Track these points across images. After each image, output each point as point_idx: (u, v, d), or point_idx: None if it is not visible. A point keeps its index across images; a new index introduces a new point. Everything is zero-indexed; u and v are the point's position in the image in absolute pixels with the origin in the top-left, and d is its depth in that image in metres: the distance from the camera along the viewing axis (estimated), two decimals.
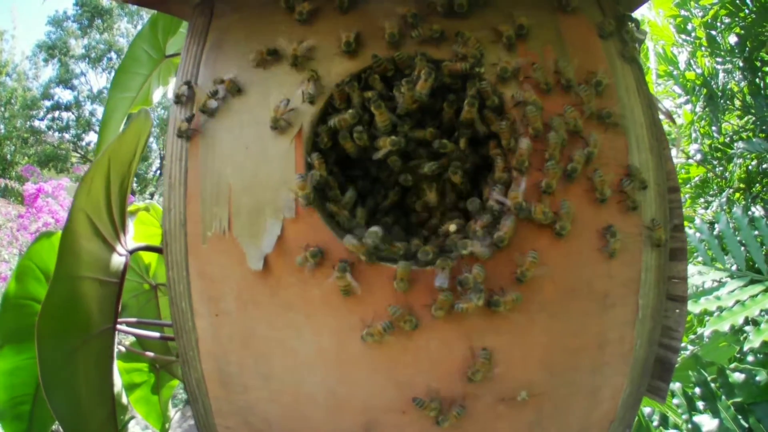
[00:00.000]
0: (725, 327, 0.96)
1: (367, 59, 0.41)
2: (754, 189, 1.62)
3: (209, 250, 0.41)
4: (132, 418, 0.61)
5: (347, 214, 0.41)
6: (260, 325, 0.40)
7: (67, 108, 11.72)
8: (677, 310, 0.46)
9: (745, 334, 0.99)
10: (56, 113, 11.72)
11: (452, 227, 0.40)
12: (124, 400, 0.57)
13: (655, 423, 1.02)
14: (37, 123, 11.50)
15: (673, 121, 0.53)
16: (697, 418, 0.93)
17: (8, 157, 10.45)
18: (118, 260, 0.49)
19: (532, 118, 0.39)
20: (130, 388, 0.73)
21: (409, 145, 0.42)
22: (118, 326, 0.50)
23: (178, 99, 0.43)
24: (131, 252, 0.52)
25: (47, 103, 11.62)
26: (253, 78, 0.42)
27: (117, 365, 0.54)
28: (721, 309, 0.99)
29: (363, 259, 0.38)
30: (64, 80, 11.70)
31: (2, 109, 10.70)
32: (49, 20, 11.81)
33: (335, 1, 0.41)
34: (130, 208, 0.69)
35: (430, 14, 0.41)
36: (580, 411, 0.42)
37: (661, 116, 0.48)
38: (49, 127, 11.70)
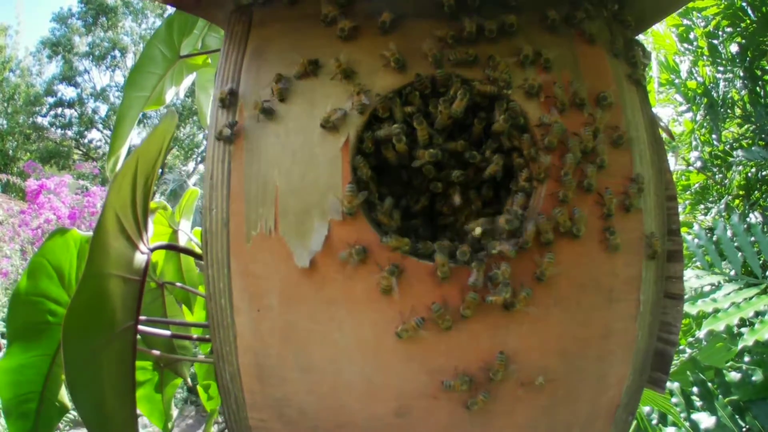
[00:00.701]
0: (720, 327, 1.00)
1: (407, 76, 0.45)
2: (753, 196, 1.65)
3: (253, 249, 0.43)
4: (140, 415, 0.62)
5: (387, 217, 0.45)
6: (303, 320, 0.42)
7: (70, 105, 11.72)
8: (675, 307, 0.50)
9: (741, 336, 1.02)
10: (59, 110, 11.72)
11: (478, 230, 0.44)
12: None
13: (654, 421, 1.05)
14: (39, 119, 11.50)
15: (671, 137, 0.58)
16: (695, 416, 0.96)
17: (10, 153, 10.45)
18: (140, 258, 0.49)
19: (551, 134, 0.45)
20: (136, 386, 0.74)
21: (443, 156, 0.47)
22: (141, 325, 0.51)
23: (222, 103, 0.45)
24: (152, 250, 0.52)
25: (50, 100, 11.61)
26: (298, 87, 0.45)
27: None
28: (717, 310, 1.03)
29: (405, 251, 0.42)
30: (68, 77, 11.70)
31: (5, 105, 10.70)
32: (54, 17, 11.82)
33: (376, 21, 0.44)
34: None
35: (461, 37, 0.45)
36: (589, 396, 0.46)
37: (661, 132, 0.52)
38: (51, 124, 11.70)
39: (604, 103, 0.47)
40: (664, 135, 0.53)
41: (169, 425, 0.78)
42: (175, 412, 0.78)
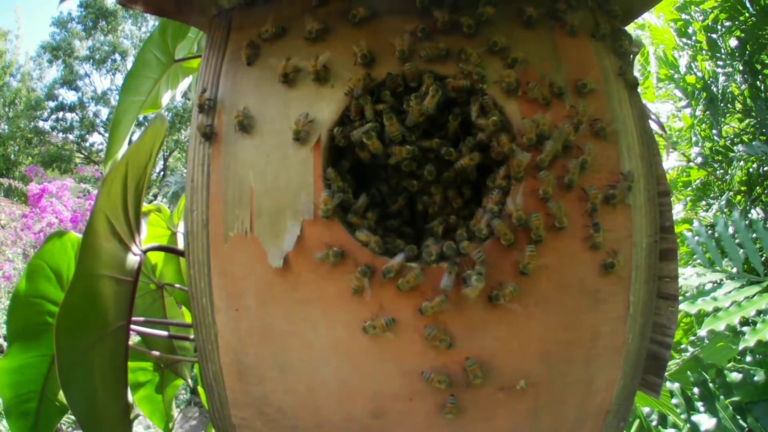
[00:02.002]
0: (721, 327, 0.97)
1: (379, 73, 0.44)
2: (754, 192, 1.63)
3: (231, 249, 0.44)
4: (137, 416, 0.62)
5: (360, 217, 0.45)
6: (278, 320, 0.42)
7: (71, 109, 11.76)
8: (669, 309, 0.48)
9: (743, 335, 1.00)
10: (60, 114, 11.76)
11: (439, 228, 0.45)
12: (129, 398, 0.58)
13: (654, 423, 1.03)
14: (41, 124, 11.55)
15: (664, 130, 0.56)
16: (695, 418, 0.94)
17: (12, 157, 10.49)
18: (132, 259, 0.51)
19: (528, 129, 0.43)
20: (134, 386, 0.74)
21: (419, 153, 0.46)
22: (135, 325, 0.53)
23: (200, 108, 0.46)
24: (145, 252, 0.53)
25: (51, 104, 11.66)
26: (273, 90, 0.45)
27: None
28: (718, 309, 1.01)
29: (374, 248, 0.42)
30: (68, 81, 11.74)
31: (6, 109, 10.74)
32: (54, 21, 11.85)
33: (347, 17, 0.44)
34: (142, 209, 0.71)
35: (435, 31, 0.44)
36: (576, 401, 0.44)
37: (653, 125, 0.50)
38: (53, 128, 11.74)
39: (584, 90, 0.45)
40: (655, 127, 0.51)
41: (170, 425, 0.79)
42: (177, 414, 0.77)
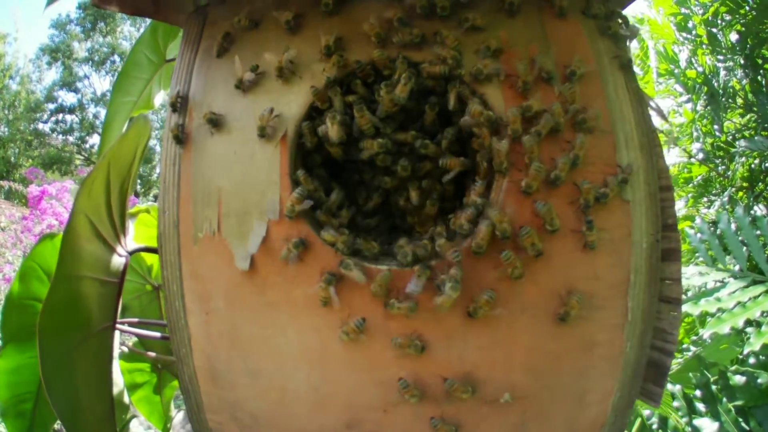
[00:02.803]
0: (725, 329, 0.94)
1: (349, 64, 0.41)
2: (757, 188, 1.60)
3: (200, 251, 0.42)
4: (133, 417, 0.63)
5: (331, 216, 0.42)
6: (247, 324, 0.41)
7: (71, 111, 11.80)
8: (672, 313, 0.45)
9: (747, 336, 0.97)
10: (60, 116, 11.82)
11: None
12: (126, 399, 0.59)
13: (655, 426, 1.00)
14: (40, 126, 11.61)
15: (664, 117, 0.52)
16: (697, 422, 0.91)
17: (12, 159, 10.52)
18: (118, 261, 0.51)
19: (513, 119, 0.39)
20: (132, 388, 0.74)
21: (393, 147, 0.43)
22: (120, 326, 0.52)
23: (173, 107, 0.45)
24: (131, 253, 0.53)
25: (51, 106, 11.72)
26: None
27: (119, 365, 0.57)
28: (721, 310, 0.98)
29: (341, 248, 0.39)
30: (68, 83, 11.78)
31: (6, 112, 10.77)
32: (53, 23, 11.88)
33: (320, 6, 0.42)
34: (131, 210, 0.71)
35: (413, 17, 0.41)
36: (566, 414, 0.41)
37: (653, 114, 0.47)
38: (52, 130, 11.79)
39: (573, 78, 0.41)
40: (655, 116, 0.47)
41: (168, 426, 0.78)
42: (180, 414, 0.78)
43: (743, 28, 1.53)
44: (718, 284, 1.13)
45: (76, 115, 11.86)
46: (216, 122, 0.42)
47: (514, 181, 0.39)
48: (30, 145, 11.15)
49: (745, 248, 1.13)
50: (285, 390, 0.40)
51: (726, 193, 1.57)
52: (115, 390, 0.52)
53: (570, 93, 0.40)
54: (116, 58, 11.87)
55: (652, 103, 0.47)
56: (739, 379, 0.92)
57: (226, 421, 0.43)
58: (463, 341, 0.39)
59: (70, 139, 11.95)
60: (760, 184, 1.60)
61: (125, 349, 0.73)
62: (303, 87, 0.42)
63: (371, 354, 0.39)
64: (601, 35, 0.44)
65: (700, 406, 0.93)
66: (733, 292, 1.03)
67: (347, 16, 0.42)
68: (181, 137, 0.44)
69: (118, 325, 0.51)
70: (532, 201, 0.39)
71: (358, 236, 0.40)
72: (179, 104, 0.45)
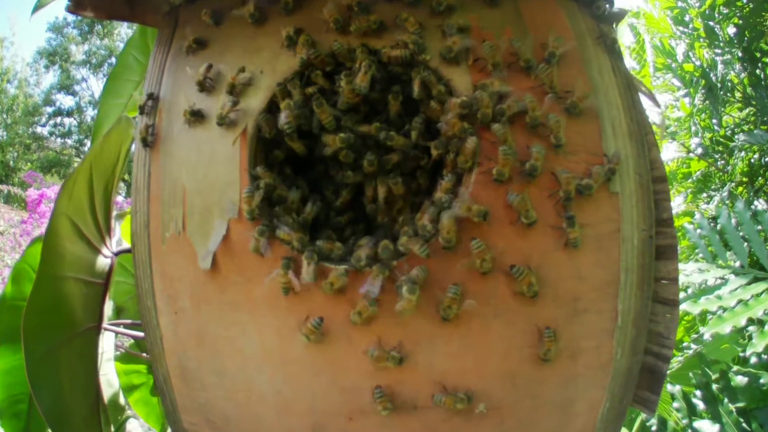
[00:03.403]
0: (727, 329, 0.90)
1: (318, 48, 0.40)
2: (757, 182, 1.57)
3: (167, 250, 0.42)
4: (128, 418, 0.64)
5: (292, 216, 0.41)
6: (211, 323, 0.41)
7: (69, 114, 11.82)
8: (667, 315, 0.42)
9: (748, 333, 0.94)
10: (58, 119, 11.84)
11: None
12: (122, 400, 0.61)
13: (654, 428, 0.98)
14: (39, 129, 11.63)
15: (656, 103, 0.48)
16: (697, 424, 0.88)
17: (11, 163, 10.54)
18: (103, 262, 0.52)
19: (485, 102, 0.36)
20: (129, 389, 0.74)
21: (356, 142, 0.41)
22: (111, 327, 0.54)
23: (141, 110, 0.45)
24: (117, 254, 0.54)
25: (49, 110, 11.74)
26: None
27: (115, 367, 0.59)
28: (722, 309, 0.94)
29: (295, 246, 0.38)
30: (66, 86, 11.80)
31: (4, 116, 10.79)
32: (50, 27, 11.88)
33: (281, 2, 0.41)
34: (119, 214, 0.72)
35: (377, 2, 0.39)
36: (550, 426, 0.38)
37: (644, 99, 0.43)
38: (51, 133, 11.81)
39: (552, 60, 0.38)
40: (646, 101, 0.44)
41: (166, 427, 0.78)
42: None
43: (741, 21, 1.50)
44: (719, 281, 1.10)
45: (75, 118, 11.87)
46: (199, 113, 0.42)
47: (486, 171, 0.36)
48: (28, 148, 11.17)
49: (745, 244, 1.10)
50: (250, 391, 0.40)
51: (726, 187, 1.55)
52: (111, 391, 0.53)
53: (546, 75, 0.37)
54: (114, 60, 11.86)
55: (643, 88, 0.43)
56: (740, 380, 0.89)
57: (200, 423, 0.43)
58: (431, 346, 0.36)
59: (69, 142, 11.96)
60: (759, 178, 1.58)
61: (122, 350, 0.73)
62: (265, 82, 0.41)
63: (333, 358, 0.37)
64: (583, 15, 0.41)
65: (700, 405, 0.90)
66: (735, 289, 1.00)
67: (308, 9, 0.42)
68: (149, 140, 0.44)
69: (108, 326, 0.53)
70: (506, 192, 0.36)
71: (319, 237, 0.39)
72: (150, 106, 0.45)
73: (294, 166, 0.44)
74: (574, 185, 0.36)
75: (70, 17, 11.87)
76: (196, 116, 0.42)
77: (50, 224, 0.44)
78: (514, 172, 0.36)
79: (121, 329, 0.58)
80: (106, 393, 0.57)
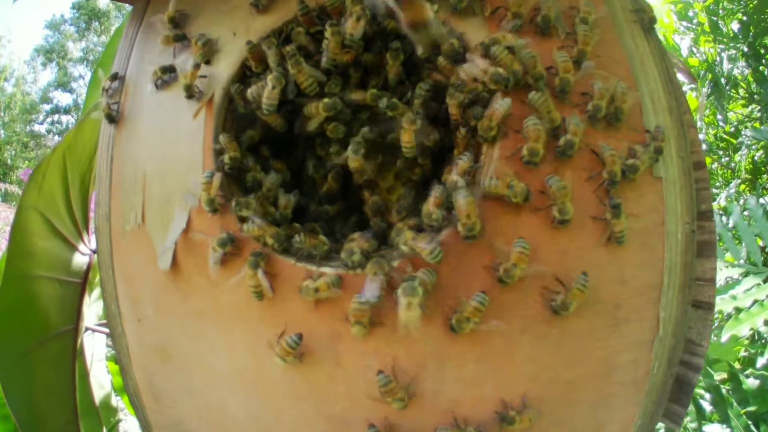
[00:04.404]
0: (744, 331, 0.87)
1: (289, 13, 0.33)
2: (760, 180, 1.56)
3: (128, 247, 0.37)
4: (120, 421, 0.62)
5: (262, 204, 0.33)
6: (176, 334, 0.35)
7: (67, 111, 11.75)
8: (702, 320, 0.36)
9: (762, 335, 0.92)
10: (56, 117, 11.77)
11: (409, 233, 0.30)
12: (114, 402, 0.59)
13: None
14: (36, 127, 11.56)
15: (692, 76, 0.44)
16: (707, 428, 0.86)
17: (9, 161, 10.48)
18: (80, 259, 0.49)
19: (506, 59, 0.29)
20: (123, 390, 0.73)
21: (345, 111, 0.34)
22: (98, 327, 0.50)
23: (105, 92, 0.40)
24: (95, 251, 0.49)
25: (46, 107, 11.67)
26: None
27: (108, 367, 0.56)
28: (738, 310, 0.91)
29: (270, 243, 0.31)
30: (63, 84, 11.74)
31: (2, 114, 10.73)
32: (47, 24, 11.81)
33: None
34: None
35: None
36: None
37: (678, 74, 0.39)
38: (48, 131, 11.74)
39: (585, 23, 0.31)
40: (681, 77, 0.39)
41: None
42: None
43: (744, 18, 1.49)
44: (731, 280, 1.07)
45: (72, 116, 11.81)
46: (171, 69, 0.36)
47: (509, 148, 0.29)
48: (26, 146, 11.12)
49: (761, 242, 1.07)
50: (223, 413, 0.34)
51: (732, 184, 1.53)
52: (102, 393, 0.51)
53: (583, 36, 0.31)
54: None
55: (677, 61, 0.39)
56: (752, 383, 0.87)
57: None
58: (439, 372, 0.29)
59: None
60: (763, 176, 1.57)
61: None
62: (237, 45, 0.34)
63: (317, 382, 0.31)
64: None
65: (708, 408, 0.88)
66: (749, 289, 0.97)
67: None
68: (114, 116, 0.39)
69: (96, 328, 0.50)
70: (542, 176, 0.29)
71: (299, 231, 0.32)
72: (114, 88, 0.40)
73: (274, 147, 0.38)
74: (620, 165, 0.29)
75: (68, 14, 11.82)
76: (167, 72, 0.36)
77: (16, 220, 0.42)
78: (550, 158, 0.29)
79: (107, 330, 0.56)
80: (98, 395, 0.55)
